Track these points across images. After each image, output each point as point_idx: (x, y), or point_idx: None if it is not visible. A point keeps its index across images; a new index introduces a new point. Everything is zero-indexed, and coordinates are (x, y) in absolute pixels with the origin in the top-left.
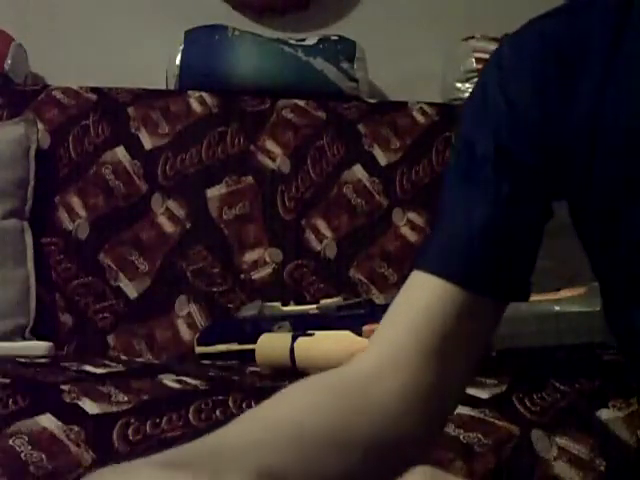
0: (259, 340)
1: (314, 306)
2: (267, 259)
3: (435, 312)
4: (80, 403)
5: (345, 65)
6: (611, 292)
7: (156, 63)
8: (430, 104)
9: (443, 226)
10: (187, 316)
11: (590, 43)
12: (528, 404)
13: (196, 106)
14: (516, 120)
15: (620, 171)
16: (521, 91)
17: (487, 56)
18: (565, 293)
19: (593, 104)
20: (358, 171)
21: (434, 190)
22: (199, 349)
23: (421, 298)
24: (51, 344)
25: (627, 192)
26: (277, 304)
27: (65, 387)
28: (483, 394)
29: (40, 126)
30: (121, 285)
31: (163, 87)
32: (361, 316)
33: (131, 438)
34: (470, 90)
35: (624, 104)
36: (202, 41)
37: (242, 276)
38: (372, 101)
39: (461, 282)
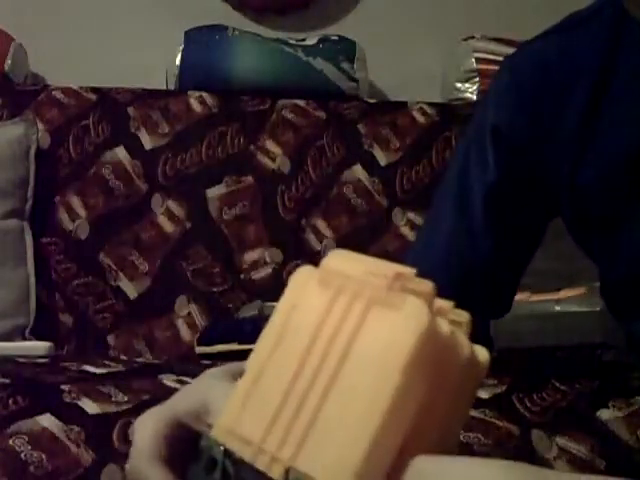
0: None
1: None
2: (267, 259)
3: None
4: (80, 403)
5: (345, 65)
6: (611, 300)
7: (156, 63)
8: (430, 104)
9: (439, 262)
10: (187, 316)
11: (579, 68)
12: (528, 404)
13: (196, 106)
14: (507, 153)
15: (596, 202)
16: (512, 116)
17: (487, 56)
18: (565, 293)
19: (580, 130)
20: (358, 171)
21: (434, 190)
22: (199, 349)
23: None
24: (51, 344)
25: (610, 214)
26: (277, 304)
27: (65, 387)
28: (483, 394)
29: (40, 126)
30: (121, 285)
31: (163, 87)
32: None
33: (131, 438)
34: (470, 90)
35: (611, 133)
36: (202, 41)
37: (242, 276)
38: (372, 101)
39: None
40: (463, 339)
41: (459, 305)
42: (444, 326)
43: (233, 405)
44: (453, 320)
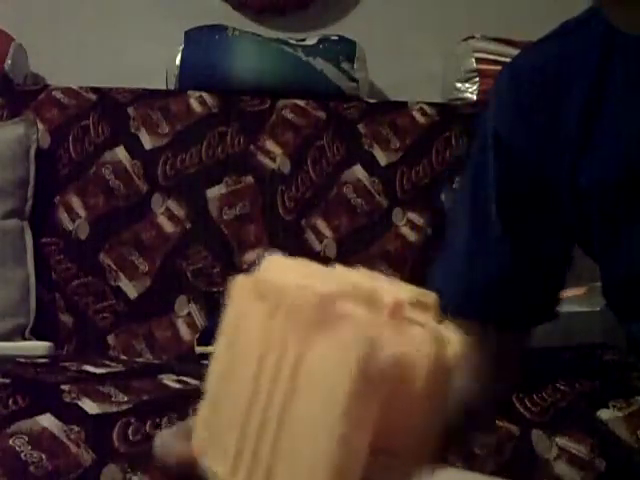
0: None
1: None
2: None
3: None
4: (80, 403)
5: (345, 65)
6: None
7: (156, 63)
8: (430, 104)
9: (460, 271)
10: (187, 316)
11: (576, 70)
12: (528, 404)
13: (196, 106)
14: (506, 155)
15: (595, 203)
16: (512, 119)
17: (487, 56)
18: (565, 293)
19: (579, 132)
20: (358, 171)
21: (434, 190)
22: (199, 349)
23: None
24: (51, 344)
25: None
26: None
27: (65, 387)
28: None
29: (40, 126)
30: (121, 285)
31: (163, 87)
32: None
33: (131, 438)
34: (470, 90)
35: (610, 134)
36: (202, 41)
37: None
38: (372, 101)
39: (488, 321)
40: (422, 341)
41: (491, 315)
42: (391, 342)
43: (198, 433)
44: (419, 305)
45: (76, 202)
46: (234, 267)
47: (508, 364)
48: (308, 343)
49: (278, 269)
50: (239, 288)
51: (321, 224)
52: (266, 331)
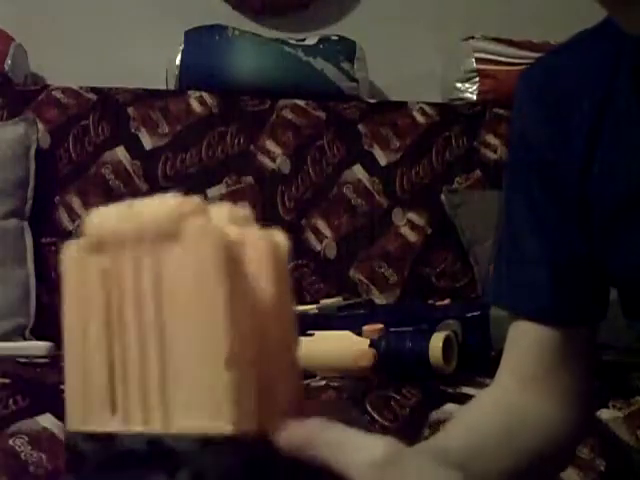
0: None
1: (314, 306)
2: None
3: (530, 350)
4: None
5: (345, 65)
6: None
7: (156, 63)
8: (430, 104)
9: (520, 273)
10: None
11: (587, 80)
12: None
13: (196, 106)
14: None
15: (598, 210)
16: (530, 125)
17: (487, 56)
18: None
19: (588, 139)
20: (358, 171)
21: (434, 190)
22: None
23: (516, 342)
24: (51, 344)
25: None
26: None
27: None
28: None
29: (40, 126)
30: None
31: (163, 87)
32: (361, 316)
33: None
34: (470, 90)
35: (615, 145)
36: (202, 41)
37: None
38: (372, 101)
39: (549, 320)
40: (254, 234)
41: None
42: (233, 232)
43: (72, 408)
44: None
45: (76, 202)
46: None
47: (585, 370)
48: (161, 261)
49: (105, 219)
50: (71, 256)
51: (321, 224)
52: (108, 274)
